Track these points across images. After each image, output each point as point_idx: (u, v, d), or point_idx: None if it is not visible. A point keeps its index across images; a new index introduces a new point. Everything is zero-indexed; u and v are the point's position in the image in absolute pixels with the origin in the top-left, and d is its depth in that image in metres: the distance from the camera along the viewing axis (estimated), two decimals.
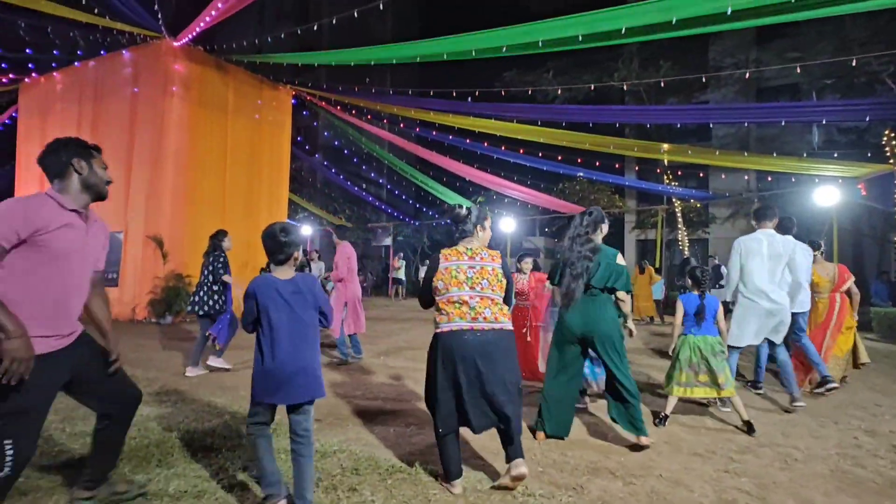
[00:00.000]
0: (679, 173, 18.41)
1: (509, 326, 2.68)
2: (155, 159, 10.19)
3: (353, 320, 5.83)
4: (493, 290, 2.62)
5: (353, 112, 13.42)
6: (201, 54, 10.73)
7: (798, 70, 12.29)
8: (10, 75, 11.88)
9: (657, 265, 14.88)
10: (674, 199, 17.19)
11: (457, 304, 2.60)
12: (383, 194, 24.19)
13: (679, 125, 15.97)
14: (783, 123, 13.02)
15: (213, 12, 8.55)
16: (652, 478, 2.85)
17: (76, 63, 11.51)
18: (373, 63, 9.42)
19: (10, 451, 1.84)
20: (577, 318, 3.35)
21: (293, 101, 13.25)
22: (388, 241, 22.43)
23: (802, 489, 2.77)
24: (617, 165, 16.12)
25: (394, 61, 9.34)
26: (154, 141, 10.23)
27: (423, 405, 4.32)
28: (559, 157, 13.34)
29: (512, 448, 2.61)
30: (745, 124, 16.85)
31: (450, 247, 2.77)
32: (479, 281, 2.61)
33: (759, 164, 13.90)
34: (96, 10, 8.70)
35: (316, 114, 14.99)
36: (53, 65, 11.70)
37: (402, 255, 21.81)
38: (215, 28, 9.78)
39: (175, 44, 10.16)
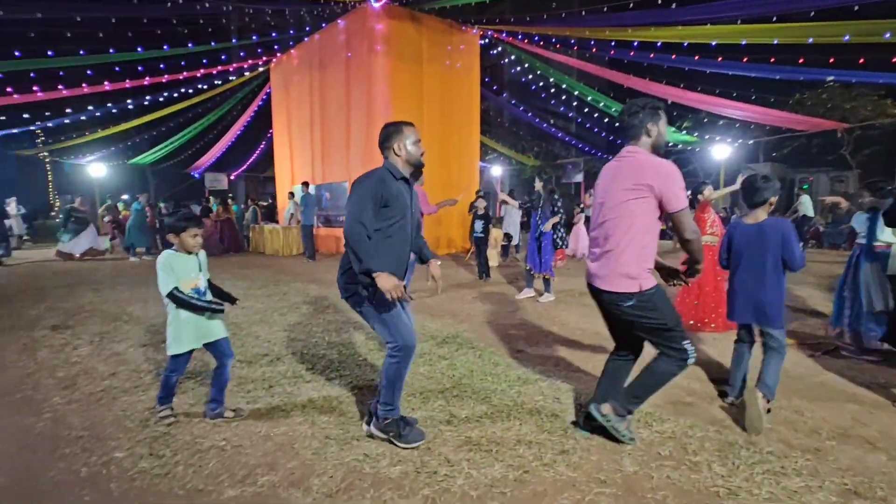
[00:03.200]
0: None
1: None
2: (367, 115, 11.54)
3: None
4: None
5: (541, 43, 12.80)
6: (398, 9, 11.44)
7: None
8: (263, 58, 14.63)
9: None
10: None
11: None
12: (572, 128, 22.97)
13: None
14: None
15: None
16: None
17: (305, 38, 13.52)
18: None
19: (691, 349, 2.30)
20: None
21: (480, 41, 13.28)
22: (578, 177, 21.51)
23: None
24: (893, 59, 12.04)
25: None
26: (364, 98, 11.54)
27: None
28: (801, 60, 10.58)
29: None
30: None
31: None
32: None
33: None
34: None
35: (503, 52, 14.76)
36: (290, 43, 13.95)
37: (592, 191, 20.70)
38: None
39: (376, 4, 11.03)
